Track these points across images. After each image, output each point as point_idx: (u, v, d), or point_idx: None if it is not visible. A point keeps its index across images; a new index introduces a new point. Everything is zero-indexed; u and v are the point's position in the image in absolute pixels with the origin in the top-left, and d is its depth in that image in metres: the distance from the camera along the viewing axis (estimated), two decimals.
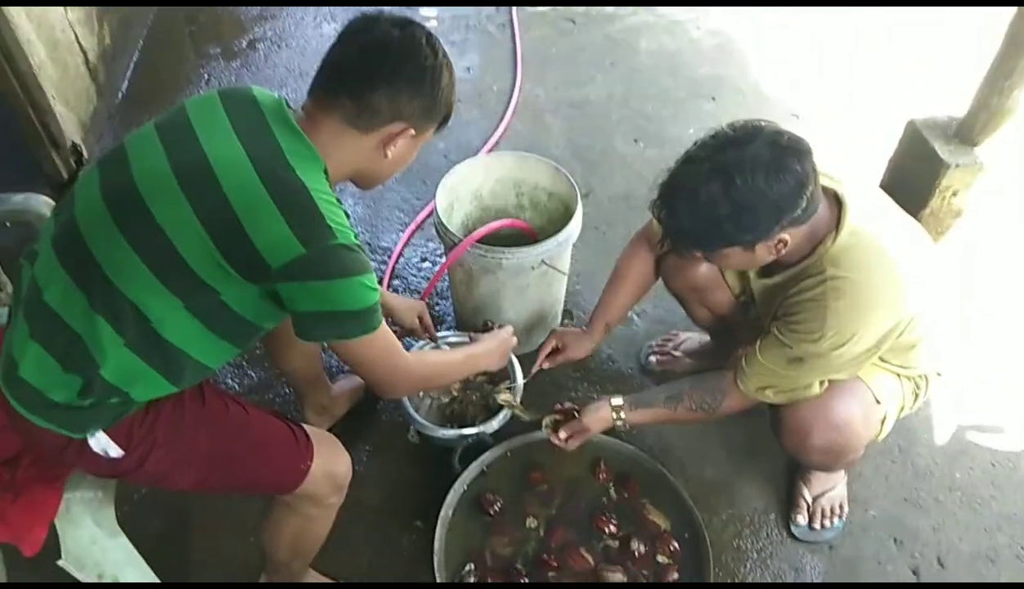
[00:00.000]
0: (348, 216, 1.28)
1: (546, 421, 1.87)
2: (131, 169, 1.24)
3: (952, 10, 3.71)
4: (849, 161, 2.86)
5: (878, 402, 1.67)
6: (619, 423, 1.78)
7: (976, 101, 2.24)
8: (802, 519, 1.95)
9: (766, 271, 1.64)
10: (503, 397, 1.95)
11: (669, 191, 1.45)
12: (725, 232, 1.40)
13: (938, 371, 1.77)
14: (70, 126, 2.84)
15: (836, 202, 1.50)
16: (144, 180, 1.22)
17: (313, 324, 1.26)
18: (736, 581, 1.88)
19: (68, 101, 2.84)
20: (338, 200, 1.27)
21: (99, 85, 3.12)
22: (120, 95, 3.33)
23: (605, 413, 1.78)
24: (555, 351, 2.01)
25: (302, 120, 1.30)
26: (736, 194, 1.34)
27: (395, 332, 1.98)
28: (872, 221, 1.51)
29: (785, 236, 1.41)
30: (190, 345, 1.26)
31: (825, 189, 1.48)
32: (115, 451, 1.29)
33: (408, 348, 1.68)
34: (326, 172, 1.29)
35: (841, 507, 1.96)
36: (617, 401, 1.78)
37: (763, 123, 1.39)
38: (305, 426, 1.49)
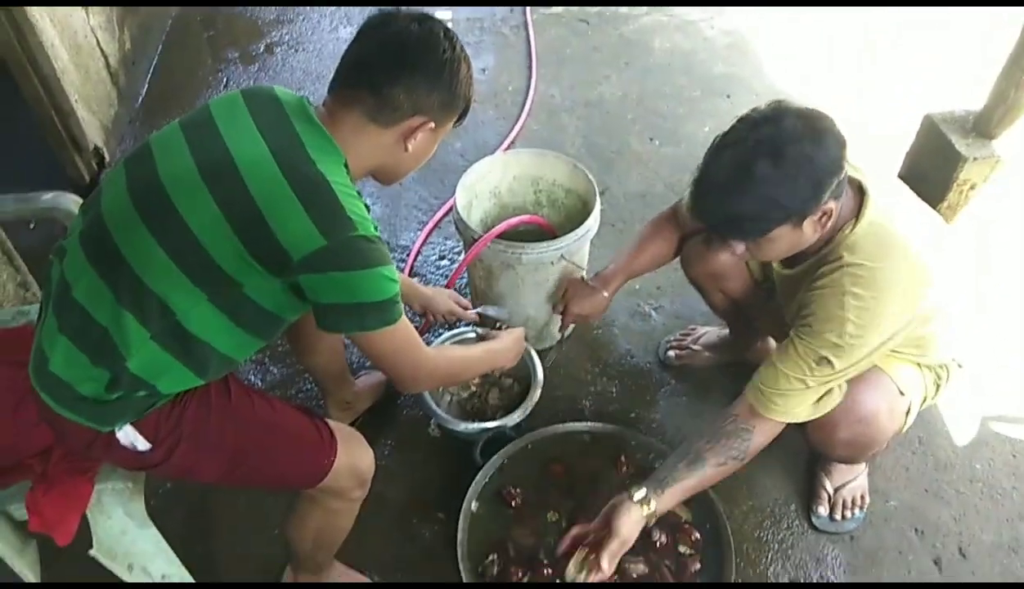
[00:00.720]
0: (368, 208, 1.30)
1: (571, 569, 1.58)
2: (157, 166, 1.26)
3: (957, 12, 3.70)
4: (865, 156, 2.86)
5: (902, 394, 1.67)
6: (651, 516, 1.56)
7: (993, 94, 2.25)
8: (823, 510, 1.96)
9: (790, 262, 1.64)
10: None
11: (711, 183, 1.42)
12: (782, 206, 1.37)
13: (959, 362, 1.77)
14: (92, 130, 2.89)
15: (859, 192, 1.51)
16: (169, 177, 1.24)
17: (334, 316, 1.28)
18: (758, 572, 1.88)
19: (90, 105, 2.89)
20: (358, 192, 1.30)
21: (120, 89, 3.17)
22: (139, 99, 3.37)
23: (636, 515, 1.54)
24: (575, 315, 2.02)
25: (323, 116, 1.32)
26: (787, 165, 1.33)
27: (429, 321, 2.04)
28: (891, 211, 1.51)
29: (830, 206, 1.40)
30: (215, 338, 1.29)
31: (849, 179, 1.49)
32: (142, 444, 1.31)
33: (428, 343, 1.70)
34: (347, 166, 1.31)
35: (862, 498, 1.97)
36: (640, 494, 1.55)
37: (786, 101, 1.41)
38: (329, 421, 1.50)
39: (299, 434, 1.45)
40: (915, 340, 1.62)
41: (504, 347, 1.78)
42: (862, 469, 1.98)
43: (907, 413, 1.72)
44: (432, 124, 1.36)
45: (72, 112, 2.74)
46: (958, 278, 1.69)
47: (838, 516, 1.95)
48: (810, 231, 1.44)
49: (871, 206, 1.48)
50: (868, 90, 3.38)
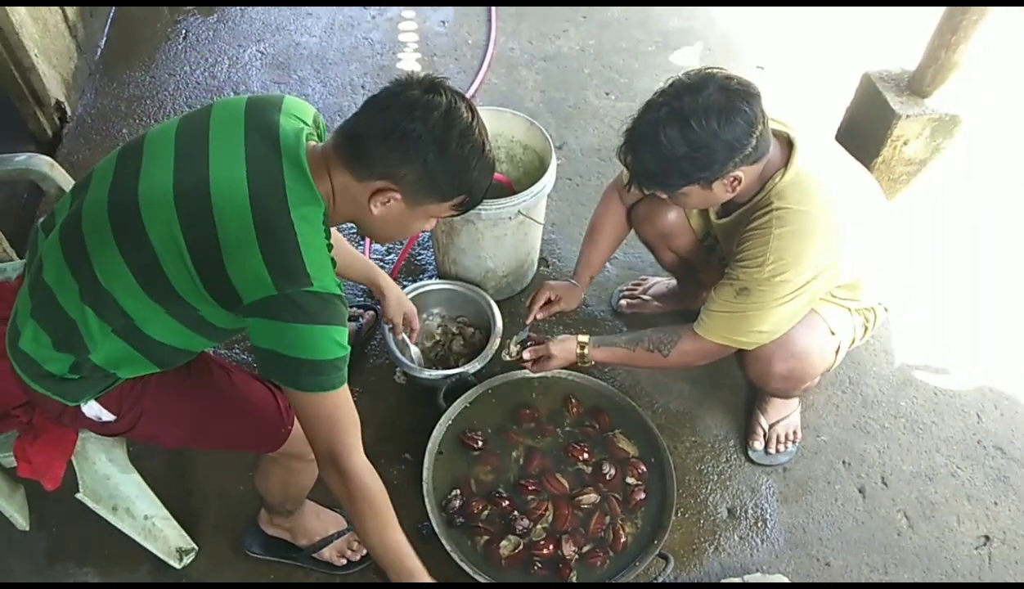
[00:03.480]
0: (335, 263, 1.26)
1: (515, 339, 2.02)
2: (139, 181, 1.25)
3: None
4: (809, 111, 2.99)
5: (833, 334, 1.84)
6: (583, 357, 1.92)
7: (926, 55, 2.36)
8: (759, 445, 2.13)
9: (723, 211, 1.80)
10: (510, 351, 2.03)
11: (633, 137, 1.59)
12: (684, 171, 1.54)
13: (885, 306, 1.93)
14: (53, 84, 2.89)
15: (788, 144, 1.65)
16: (146, 196, 1.24)
17: (270, 363, 1.22)
18: (699, 501, 2.06)
19: (50, 58, 2.89)
20: (330, 246, 1.26)
21: (79, 42, 3.15)
22: (99, 52, 3.36)
23: (571, 345, 1.93)
24: (548, 302, 2.11)
25: (315, 158, 1.28)
26: (692, 136, 1.48)
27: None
28: (819, 164, 1.65)
29: (739, 173, 1.55)
30: (174, 340, 1.34)
31: (778, 133, 1.64)
32: (107, 416, 1.40)
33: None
34: (326, 215, 1.28)
35: (795, 433, 2.15)
36: (583, 339, 1.93)
37: (715, 70, 1.53)
38: None
39: (256, 405, 1.51)
40: (846, 287, 1.78)
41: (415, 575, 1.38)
42: (795, 407, 2.15)
43: (836, 352, 1.88)
44: (398, 195, 1.28)
45: (32, 66, 2.74)
46: (886, 232, 1.83)
47: (772, 450, 2.12)
48: (720, 191, 1.60)
49: (798, 158, 1.62)
50: (820, 47, 3.49)
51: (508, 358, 2.01)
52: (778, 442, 2.12)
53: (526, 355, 1.96)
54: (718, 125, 1.47)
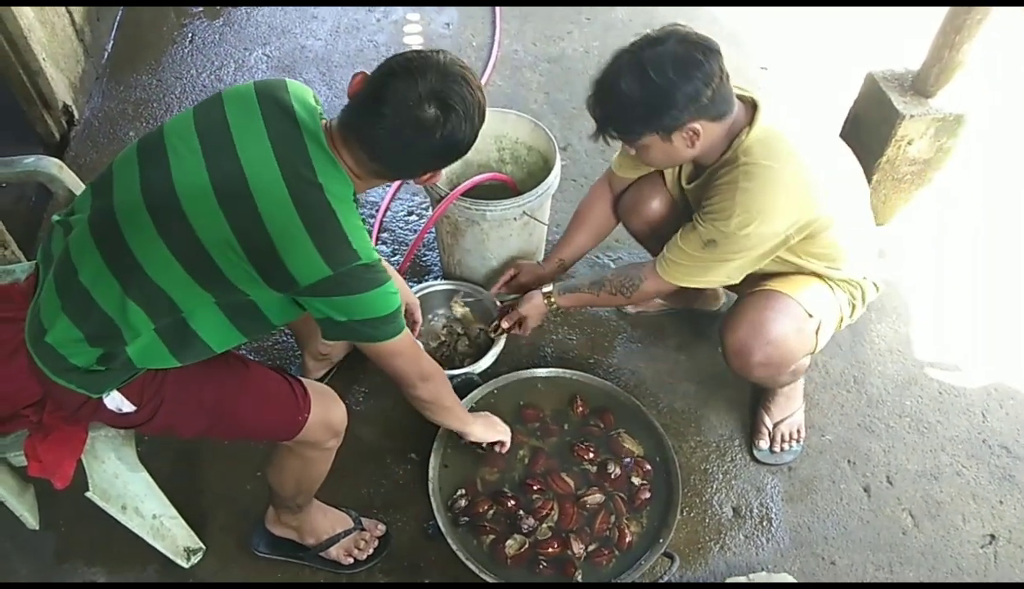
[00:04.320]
0: (370, 232, 1.38)
1: (458, 299, 2.23)
2: (172, 175, 1.30)
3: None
4: (813, 111, 3.00)
5: (811, 315, 1.84)
6: (552, 306, 2.04)
7: (930, 55, 2.37)
8: (764, 444, 2.14)
9: (694, 175, 1.84)
10: (458, 310, 2.21)
11: (598, 86, 1.64)
12: (641, 117, 1.59)
13: (874, 281, 1.93)
14: (60, 87, 2.91)
15: (752, 106, 1.68)
16: (185, 191, 1.28)
17: (340, 331, 1.39)
18: (704, 500, 2.06)
19: (58, 62, 2.91)
20: (362, 220, 1.38)
21: (86, 45, 3.18)
22: (106, 55, 3.38)
23: (538, 300, 2.05)
24: (511, 277, 2.22)
25: (329, 137, 1.35)
26: (649, 83, 1.53)
27: None
28: (783, 124, 1.68)
29: (697, 126, 1.58)
30: (210, 336, 1.39)
31: (743, 97, 1.68)
32: (128, 407, 1.42)
33: None
34: (354, 192, 1.38)
35: (799, 432, 2.15)
36: (547, 289, 2.05)
37: (679, 26, 1.60)
38: (303, 380, 1.59)
39: (274, 393, 1.54)
40: (822, 256, 1.79)
41: (480, 425, 1.88)
42: (799, 405, 2.16)
43: (817, 332, 1.88)
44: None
45: (40, 70, 2.76)
46: (858, 192, 1.85)
47: (777, 449, 2.13)
48: (680, 145, 1.63)
49: (762, 115, 1.66)
50: (825, 47, 3.49)
51: (492, 335, 2.16)
52: (783, 441, 2.13)
53: (504, 325, 2.10)
54: (674, 73, 1.52)
